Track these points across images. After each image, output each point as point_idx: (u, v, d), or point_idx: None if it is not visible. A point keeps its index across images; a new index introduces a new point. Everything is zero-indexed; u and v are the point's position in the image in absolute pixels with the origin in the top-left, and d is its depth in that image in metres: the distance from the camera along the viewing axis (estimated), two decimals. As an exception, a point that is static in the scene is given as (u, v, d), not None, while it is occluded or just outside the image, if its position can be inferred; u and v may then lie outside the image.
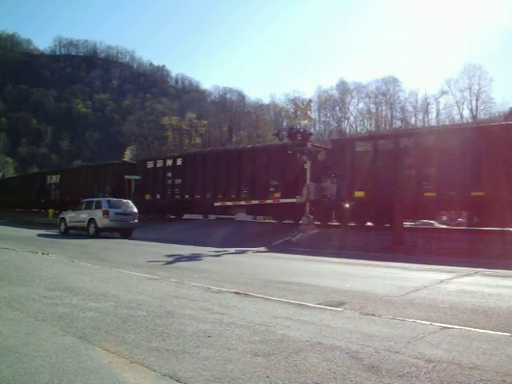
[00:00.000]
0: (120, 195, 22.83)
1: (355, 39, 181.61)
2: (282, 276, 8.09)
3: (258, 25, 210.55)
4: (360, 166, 16.43)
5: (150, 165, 26.27)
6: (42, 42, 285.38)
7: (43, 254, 10.73)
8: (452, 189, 14.25)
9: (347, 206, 16.66)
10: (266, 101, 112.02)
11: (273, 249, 14.63)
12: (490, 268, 9.36)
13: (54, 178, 34.55)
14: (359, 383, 2.82)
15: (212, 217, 24.22)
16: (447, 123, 69.83)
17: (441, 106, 77.84)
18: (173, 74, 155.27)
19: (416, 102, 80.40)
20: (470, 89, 70.08)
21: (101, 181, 28.67)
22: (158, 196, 25.31)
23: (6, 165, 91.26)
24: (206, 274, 8.02)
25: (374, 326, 4.32)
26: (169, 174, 24.78)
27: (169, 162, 25.26)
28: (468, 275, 8.39)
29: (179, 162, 24.64)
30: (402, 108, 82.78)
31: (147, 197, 25.45)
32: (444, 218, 28.62)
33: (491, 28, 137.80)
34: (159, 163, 25.77)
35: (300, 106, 20.93)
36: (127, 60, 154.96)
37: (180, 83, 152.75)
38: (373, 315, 4.78)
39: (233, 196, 21.09)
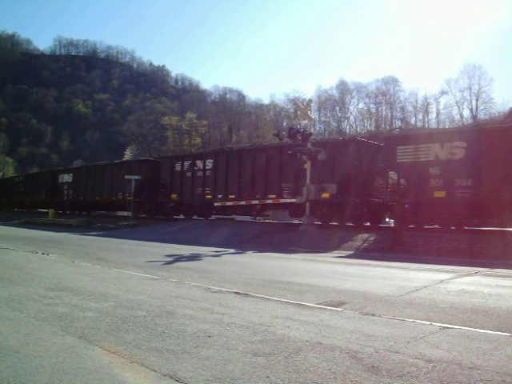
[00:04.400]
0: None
1: (355, 39, 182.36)
2: (282, 276, 8.08)
3: (257, 25, 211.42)
4: (175, 177, 24.34)
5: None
6: (42, 42, 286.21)
7: (43, 254, 10.74)
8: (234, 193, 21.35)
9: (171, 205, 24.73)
10: (266, 101, 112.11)
11: (273, 249, 14.61)
12: (490, 268, 9.35)
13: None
14: (359, 383, 2.82)
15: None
16: (447, 124, 69.94)
17: (441, 106, 77.47)
18: (173, 74, 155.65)
19: (416, 102, 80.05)
20: (470, 89, 69.76)
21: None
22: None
23: (6, 165, 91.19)
24: (205, 274, 8.02)
25: (373, 326, 4.32)
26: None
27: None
28: (468, 275, 8.38)
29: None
30: (402, 108, 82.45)
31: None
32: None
33: (491, 28, 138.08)
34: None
35: (300, 106, 20.93)
36: (127, 60, 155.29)
37: (180, 83, 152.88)
38: (373, 315, 4.78)
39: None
